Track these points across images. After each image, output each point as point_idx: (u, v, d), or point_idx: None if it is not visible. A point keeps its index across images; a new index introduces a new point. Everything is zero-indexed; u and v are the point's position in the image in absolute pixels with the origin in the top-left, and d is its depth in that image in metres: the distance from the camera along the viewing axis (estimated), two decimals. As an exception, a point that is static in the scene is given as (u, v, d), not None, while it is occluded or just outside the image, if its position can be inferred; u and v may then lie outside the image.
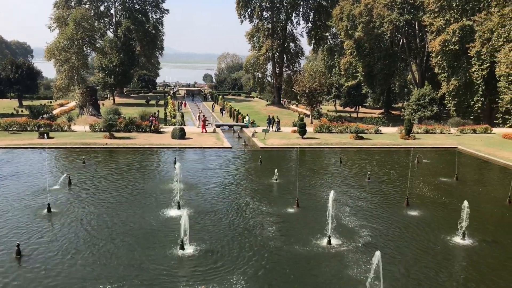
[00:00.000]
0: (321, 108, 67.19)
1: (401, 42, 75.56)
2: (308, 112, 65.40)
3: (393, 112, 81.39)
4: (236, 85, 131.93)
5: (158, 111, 49.12)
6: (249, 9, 79.55)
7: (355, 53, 74.78)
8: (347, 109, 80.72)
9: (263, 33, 78.04)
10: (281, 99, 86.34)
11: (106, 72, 78.92)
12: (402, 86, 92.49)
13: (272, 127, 48.98)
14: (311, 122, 56.72)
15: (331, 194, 17.98)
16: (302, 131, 43.62)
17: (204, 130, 46.69)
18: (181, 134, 41.33)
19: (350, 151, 38.94)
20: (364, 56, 73.74)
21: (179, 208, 20.94)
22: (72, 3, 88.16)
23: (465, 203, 18.20)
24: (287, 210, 21.61)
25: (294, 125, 51.80)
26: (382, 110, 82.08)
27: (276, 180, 27.20)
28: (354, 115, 74.71)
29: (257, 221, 19.83)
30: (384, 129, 51.32)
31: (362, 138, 44.31)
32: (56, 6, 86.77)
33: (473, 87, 58.85)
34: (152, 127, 45.04)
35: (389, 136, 47.00)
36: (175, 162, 29.81)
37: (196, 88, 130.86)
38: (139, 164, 31.45)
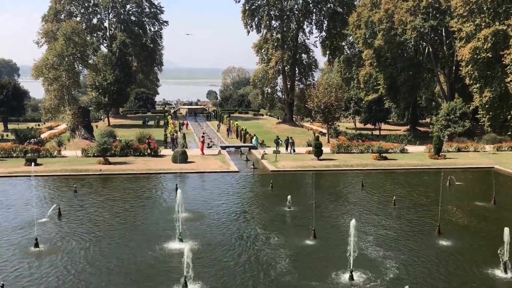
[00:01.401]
0: (338, 125, 67.20)
1: (426, 51, 75.72)
2: (324, 130, 65.50)
3: (420, 128, 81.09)
4: (243, 102, 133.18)
5: (149, 136, 49.16)
6: (256, 18, 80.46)
7: (375, 64, 75.01)
8: (368, 126, 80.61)
9: (272, 44, 78.40)
10: (294, 116, 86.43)
11: (100, 90, 79.41)
12: (429, 100, 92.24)
13: (286, 148, 49.20)
14: (328, 142, 57.01)
15: (352, 222, 17.83)
16: (317, 151, 43.76)
17: (201, 152, 47.15)
18: (183, 158, 41.65)
19: (372, 174, 38.90)
20: (385, 66, 73.91)
21: (181, 241, 20.94)
22: (62, 16, 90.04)
23: (506, 230, 17.86)
24: (303, 241, 21.51)
25: (309, 145, 52.02)
26: (408, 127, 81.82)
27: (289, 207, 27.12)
28: (376, 132, 74.54)
29: (269, 255, 19.70)
30: (410, 148, 51.31)
31: (385, 158, 44.32)
32: (45, 20, 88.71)
33: (509, 99, 58.40)
34: (149, 149, 45.48)
35: (417, 155, 46.92)
36: (176, 189, 29.83)
37: (199, 106, 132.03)
38: (136, 192, 31.60)
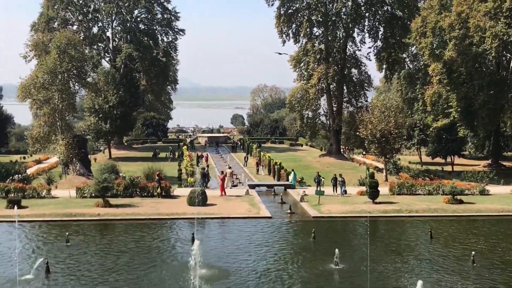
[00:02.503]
0: (399, 159, 66.74)
1: (511, 65, 74.87)
2: (381, 165, 65.60)
3: (504, 163, 79.47)
4: (277, 129, 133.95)
5: (159, 172, 49.64)
6: (293, 25, 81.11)
7: (446, 81, 74.18)
8: (437, 160, 79.36)
9: (314, 56, 78.61)
10: (341, 146, 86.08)
11: (100, 115, 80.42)
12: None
13: (334, 189, 49.06)
14: (386, 180, 56.78)
15: (419, 285, 17.41)
16: (372, 192, 43.59)
17: (223, 192, 47.49)
18: (202, 199, 41.89)
19: (444, 221, 38.38)
20: (458, 84, 72.98)
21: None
22: (55, 24, 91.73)
23: None
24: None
25: (361, 184, 51.91)
26: (489, 161, 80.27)
27: (337, 264, 26.81)
28: (448, 168, 73.30)
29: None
30: (493, 189, 50.49)
31: (461, 202, 43.71)
32: (34, 29, 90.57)
33: None
34: (159, 189, 45.86)
35: (501, 198, 46.14)
36: (193, 239, 29.93)
37: (221, 135, 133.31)
38: (143, 243, 31.70)
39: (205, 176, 52.57)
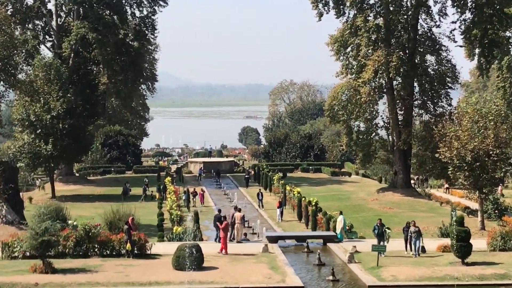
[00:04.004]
0: (502, 195, 65.54)
1: None
2: (475, 205, 64.39)
3: None
4: (312, 150, 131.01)
5: (130, 220, 47.70)
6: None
7: None
8: None
9: (368, 36, 76.62)
10: (411, 176, 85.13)
11: (38, 131, 78.92)
12: None
13: (408, 246, 47.08)
14: (482, 227, 56.29)
15: None
16: (462, 247, 42.08)
17: (224, 250, 46.38)
18: (195, 260, 40.47)
19: None
20: None
21: None
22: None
23: None
24: None
25: (443, 235, 51.50)
26: None
27: None
28: None
29: None
30: None
31: None
32: None
33: None
34: (129, 244, 44.47)
35: None
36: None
37: (224, 159, 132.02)
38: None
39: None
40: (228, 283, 37.80)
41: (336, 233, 51.39)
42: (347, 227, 53.09)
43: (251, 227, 58.78)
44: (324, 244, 50.03)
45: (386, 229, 48.44)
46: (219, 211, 53.43)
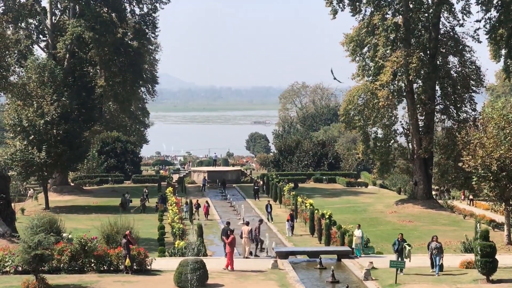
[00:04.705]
0: None
1: None
2: (500, 218, 65.66)
3: None
4: (325, 158, 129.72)
5: (128, 233, 47.47)
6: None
7: None
8: None
9: (386, 35, 75.98)
10: (432, 187, 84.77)
11: (31, 137, 78.44)
12: None
13: (434, 264, 45.61)
14: (508, 242, 56.72)
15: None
16: (487, 263, 41.33)
17: (230, 266, 46.05)
18: (199, 278, 40.31)
19: None
20: None
21: None
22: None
23: None
24: None
25: (467, 250, 51.52)
26: None
27: None
28: None
29: None
30: None
31: None
32: None
33: None
34: (128, 259, 43.96)
35: None
36: None
37: (230, 168, 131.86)
38: None
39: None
40: (235, 305, 36.44)
41: (353, 248, 51.02)
42: (365, 242, 52.72)
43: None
44: (339, 260, 49.50)
45: (406, 246, 46.90)
46: (228, 223, 53.28)
